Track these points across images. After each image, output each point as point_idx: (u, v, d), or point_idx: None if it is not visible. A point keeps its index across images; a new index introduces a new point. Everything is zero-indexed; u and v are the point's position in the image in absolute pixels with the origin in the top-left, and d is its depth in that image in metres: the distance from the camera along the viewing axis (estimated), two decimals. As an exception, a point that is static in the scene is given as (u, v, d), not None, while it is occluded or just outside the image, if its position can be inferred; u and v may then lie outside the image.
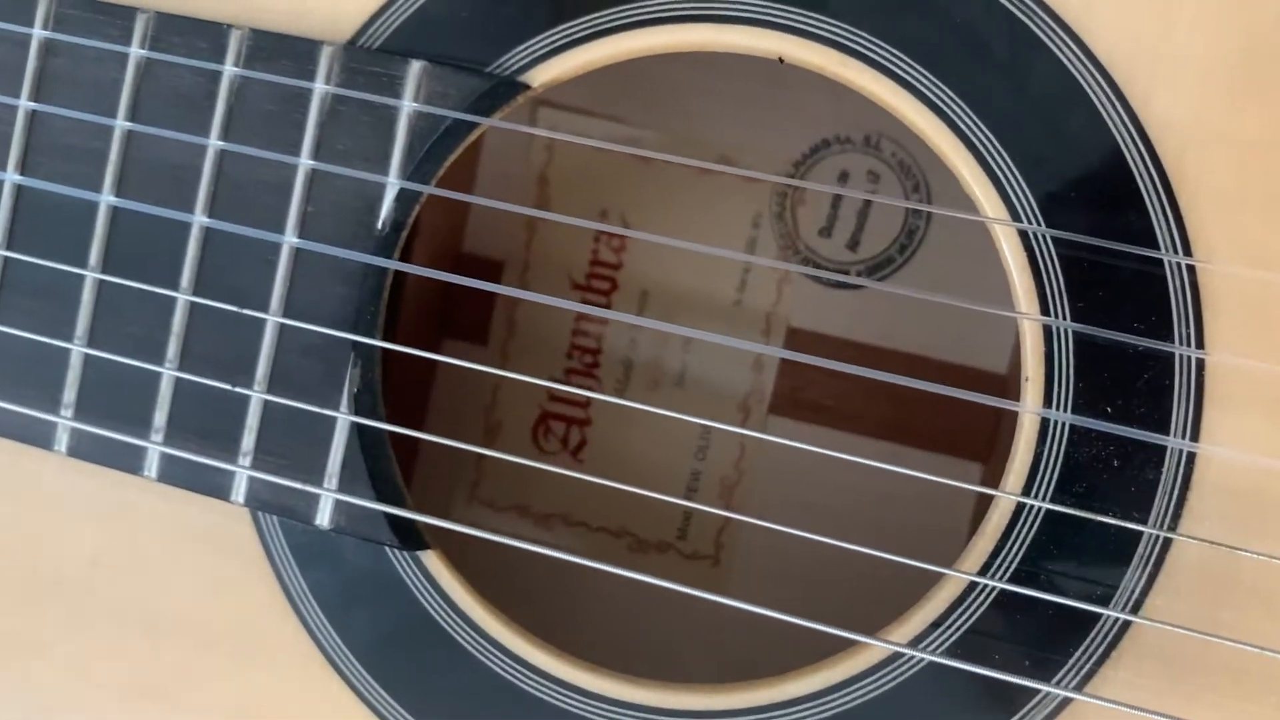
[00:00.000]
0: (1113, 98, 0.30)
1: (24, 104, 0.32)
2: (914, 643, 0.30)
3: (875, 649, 0.31)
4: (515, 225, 0.50)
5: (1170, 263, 0.29)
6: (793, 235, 0.49)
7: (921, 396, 0.50)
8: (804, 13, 0.31)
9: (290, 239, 0.31)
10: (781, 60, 0.31)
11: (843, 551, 0.47)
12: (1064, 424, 0.29)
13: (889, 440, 0.48)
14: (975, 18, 0.30)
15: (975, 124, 0.30)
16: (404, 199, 0.31)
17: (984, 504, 0.48)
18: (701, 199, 0.49)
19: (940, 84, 0.30)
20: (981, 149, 0.30)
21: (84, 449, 0.33)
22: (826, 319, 0.49)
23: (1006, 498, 0.30)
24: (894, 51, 0.30)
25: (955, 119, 0.30)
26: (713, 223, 0.49)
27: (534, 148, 0.49)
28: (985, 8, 0.30)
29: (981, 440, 0.48)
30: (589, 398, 0.50)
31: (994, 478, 0.48)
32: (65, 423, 0.32)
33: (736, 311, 0.49)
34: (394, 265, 0.31)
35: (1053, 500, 0.29)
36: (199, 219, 0.32)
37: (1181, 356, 0.29)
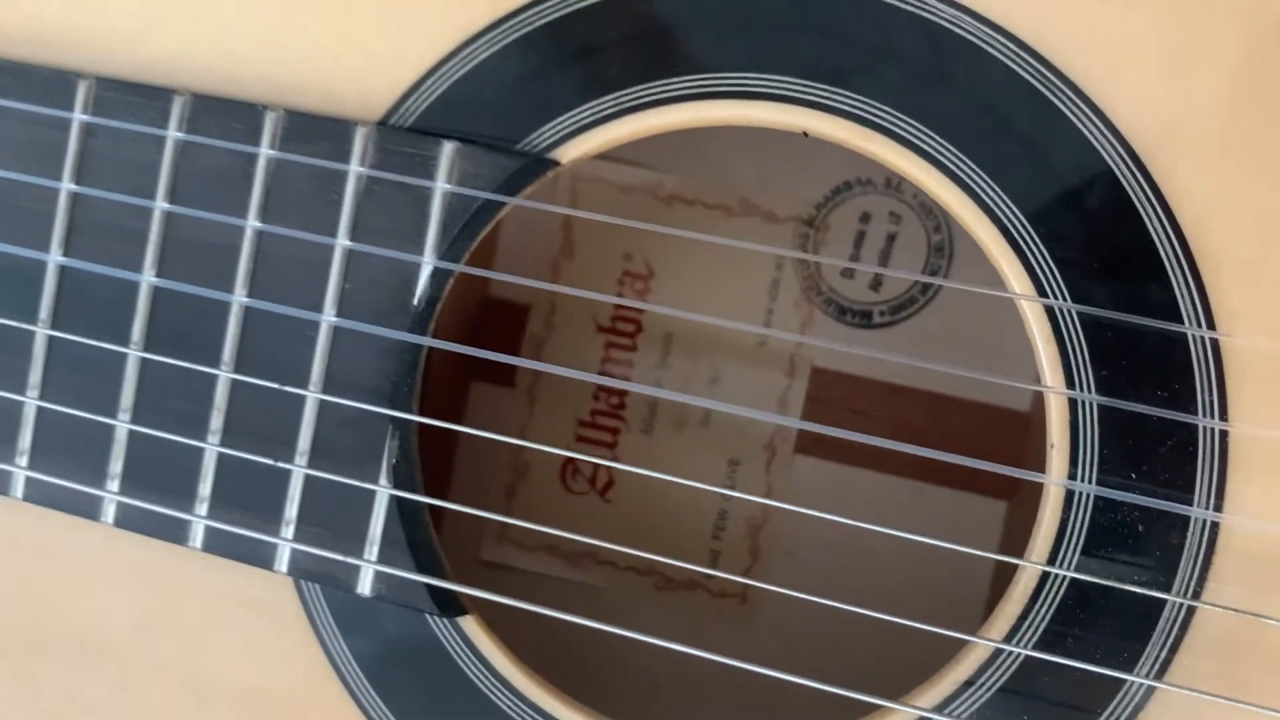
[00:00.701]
0: (1135, 170, 0.30)
1: (66, 186, 0.33)
2: (942, 706, 0.31)
3: (906, 710, 0.31)
4: (541, 269, 0.50)
5: (1193, 335, 0.29)
6: (815, 277, 0.49)
7: (946, 435, 0.50)
8: (827, 88, 0.31)
9: (329, 317, 0.32)
10: (806, 134, 0.32)
11: (875, 588, 0.47)
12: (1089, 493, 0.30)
13: (914, 479, 0.49)
14: (997, 92, 0.31)
15: (999, 196, 0.31)
16: (438, 275, 0.32)
17: (1010, 538, 0.48)
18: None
19: (963, 157, 0.31)
20: (1005, 221, 0.31)
21: (130, 520, 0.34)
22: (850, 358, 0.49)
23: (1033, 566, 0.30)
24: (917, 126, 0.31)
25: (979, 192, 0.31)
26: (736, 265, 0.49)
27: (558, 192, 0.50)
28: (1006, 82, 0.30)
29: (1005, 478, 0.48)
30: (615, 439, 0.50)
31: (1018, 514, 0.49)
32: (111, 496, 0.33)
33: (760, 352, 0.50)
34: (431, 343, 0.32)
35: (1078, 566, 0.30)
36: (239, 299, 0.33)
37: (1205, 427, 0.29)
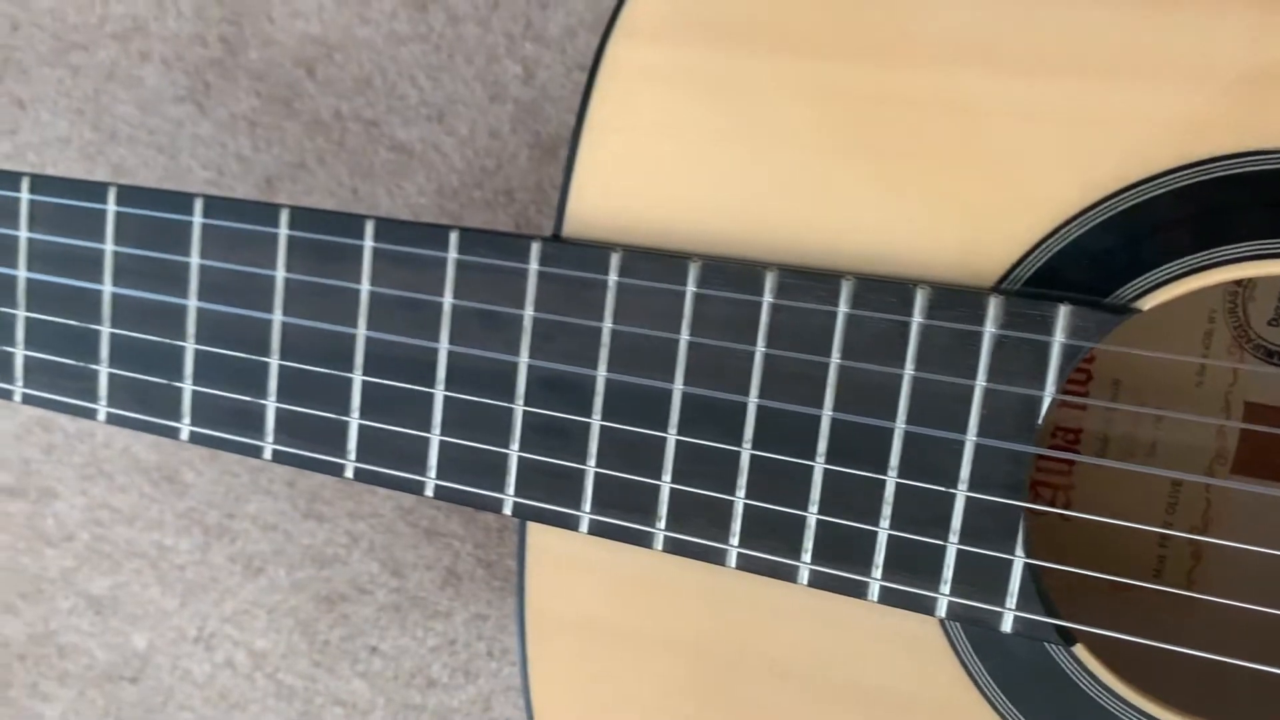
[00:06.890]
0: None
1: (759, 349, 0.46)
2: None
3: None
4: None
5: None
6: (1245, 326, 0.58)
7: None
8: (1368, 245, 0.41)
9: (971, 438, 0.44)
10: (1348, 281, 0.41)
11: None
12: None
13: (1340, 494, 0.58)
14: None
15: None
16: (1052, 402, 0.44)
17: None
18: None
19: None
20: None
21: (748, 565, 0.47)
22: (1278, 393, 0.58)
23: None
24: None
25: None
26: (1172, 321, 0.59)
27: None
28: None
29: None
30: (1070, 467, 0.61)
31: None
32: (733, 549, 0.47)
33: (1198, 392, 0.59)
34: (1048, 453, 0.43)
35: None
36: (900, 426, 0.45)
37: None
